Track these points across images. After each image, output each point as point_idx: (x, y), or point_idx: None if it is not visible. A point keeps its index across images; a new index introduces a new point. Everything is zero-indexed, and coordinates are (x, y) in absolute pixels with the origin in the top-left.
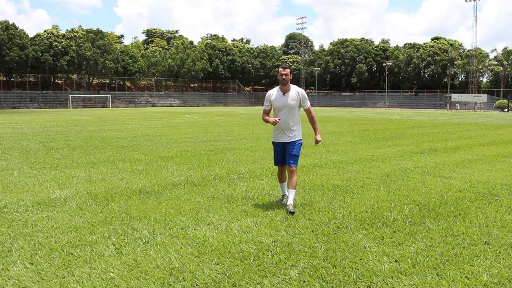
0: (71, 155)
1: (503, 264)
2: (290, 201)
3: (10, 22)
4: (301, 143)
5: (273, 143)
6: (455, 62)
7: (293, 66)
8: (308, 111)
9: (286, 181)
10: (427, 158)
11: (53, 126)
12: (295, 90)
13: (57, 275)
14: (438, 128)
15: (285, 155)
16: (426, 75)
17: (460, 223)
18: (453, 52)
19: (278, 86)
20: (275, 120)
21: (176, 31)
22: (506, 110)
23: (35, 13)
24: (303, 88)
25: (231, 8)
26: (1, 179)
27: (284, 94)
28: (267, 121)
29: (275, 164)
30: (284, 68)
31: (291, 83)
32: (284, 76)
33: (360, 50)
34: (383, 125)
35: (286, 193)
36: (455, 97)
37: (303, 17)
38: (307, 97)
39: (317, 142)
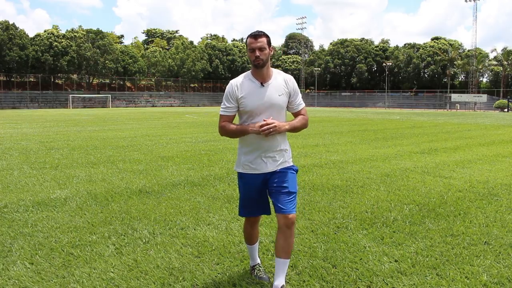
0: (71, 155)
1: (503, 264)
2: (281, 280)
3: (10, 22)
4: (296, 170)
5: (241, 175)
6: (455, 62)
7: (293, 66)
8: (302, 117)
9: (257, 242)
10: (427, 158)
11: (53, 126)
12: (282, 78)
13: (57, 275)
14: (438, 128)
15: (264, 196)
16: (426, 75)
17: (460, 223)
18: (453, 52)
19: (248, 73)
20: (263, 125)
21: (176, 31)
22: (506, 110)
23: (34, 13)
24: (302, 88)
25: (230, 8)
26: (1, 179)
27: (262, 84)
28: (241, 132)
29: (242, 214)
30: (256, 36)
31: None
32: (257, 53)
33: (360, 50)
34: (383, 125)
35: (259, 260)
36: (455, 97)
37: (303, 17)
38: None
39: (271, 127)
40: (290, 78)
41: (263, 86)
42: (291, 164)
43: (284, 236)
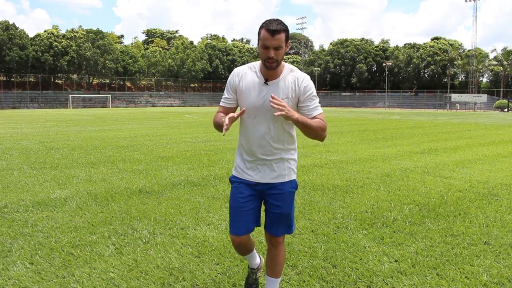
0: (71, 155)
1: (503, 264)
2: None
3: (10, 22)
4: (296, 187)
5: (233, 181)
6: (455, 62)
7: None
8: (319, 120)
9: (260, 258)
10: (427, 158)
11: (53, 126)
12: (292, 77)
13: (57, 275)
14: (438, 128)
15: (255, 211)
16: (426, 75)
17: (460, 223)
18: (453, 52)
19: (256, 64)
20: (226, 122)
21: (176, 31)
22: (506, 110)
23: (34, 13)
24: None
25: (230, 8)
26: (1, 179)
27: (266, 82)
28: (218, 125)
29: (232, 232)
30: (274, 33)
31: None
32: (272, 53)
33: (360, 50)
34: (383, 125)
35: (258, 261)
36: (455, 97)
37: (303, 17)
38: (316, 94)
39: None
40: (303, 78)
41: (267, 84)
42: (292, 178)
43: (270, 253)
